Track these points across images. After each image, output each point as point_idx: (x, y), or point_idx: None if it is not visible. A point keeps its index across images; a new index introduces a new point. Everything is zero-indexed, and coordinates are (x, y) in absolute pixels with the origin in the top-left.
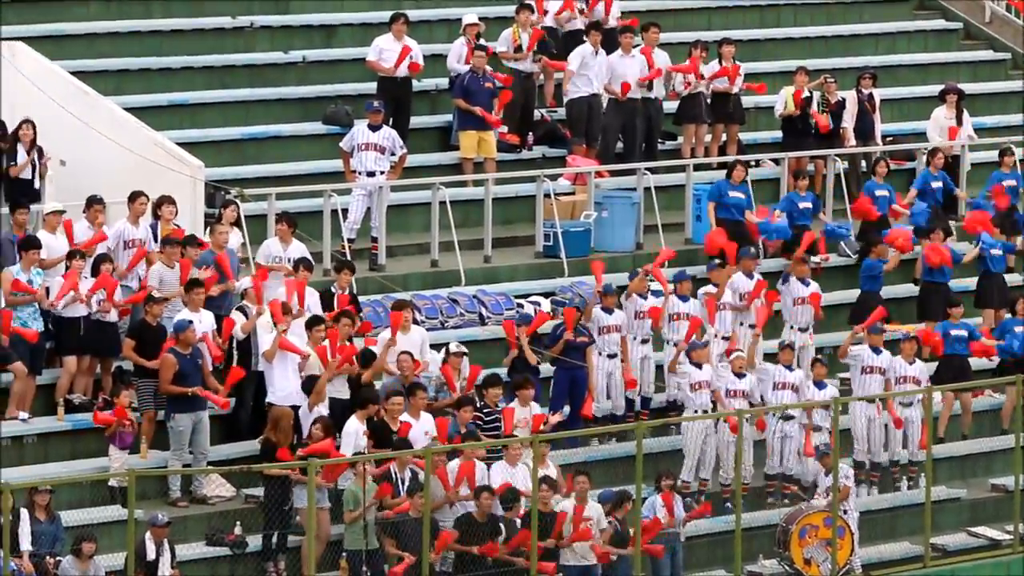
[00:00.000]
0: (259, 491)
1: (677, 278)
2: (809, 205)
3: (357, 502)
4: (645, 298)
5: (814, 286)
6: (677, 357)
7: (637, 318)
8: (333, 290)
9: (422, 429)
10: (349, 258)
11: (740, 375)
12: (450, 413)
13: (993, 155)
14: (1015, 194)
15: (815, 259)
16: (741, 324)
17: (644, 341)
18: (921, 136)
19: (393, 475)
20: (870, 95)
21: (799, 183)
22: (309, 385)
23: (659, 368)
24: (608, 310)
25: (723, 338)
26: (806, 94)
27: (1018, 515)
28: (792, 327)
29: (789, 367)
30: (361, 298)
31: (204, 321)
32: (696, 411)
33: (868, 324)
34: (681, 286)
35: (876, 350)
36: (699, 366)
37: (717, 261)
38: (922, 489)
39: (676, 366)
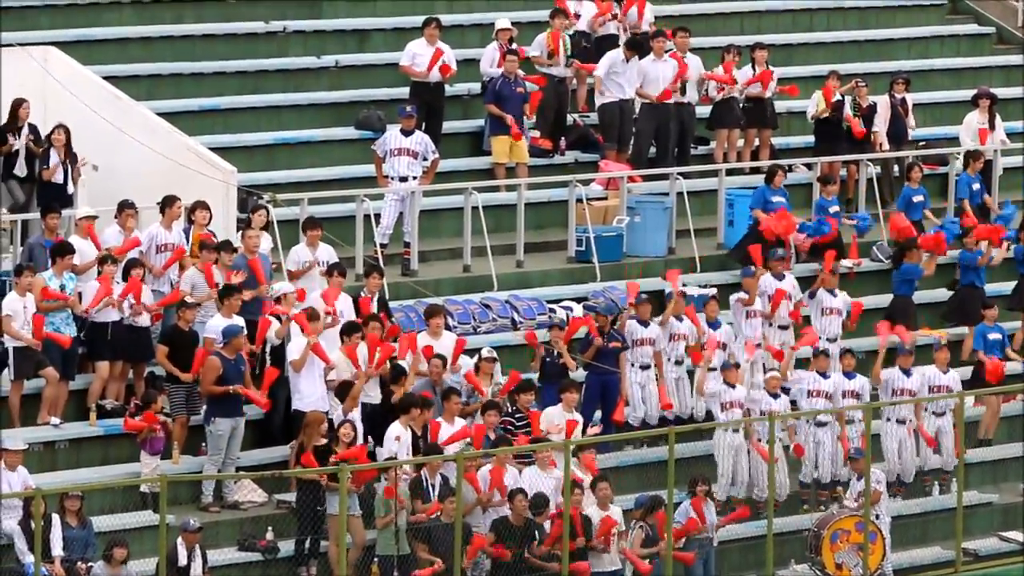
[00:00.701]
0: (291, 496)
1: (704, 299)
2: (837, 209)
3: (388, 507)
4: (681, 320)
5: (842, 296)
6: (703, 379)
7: (672, 340)
8: (363, 294)
9: (447, 434)
10: (381, 263)
11: (775, 395)
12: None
13: None
14: None
15: (847, 264)
16: (771, 325)
17: (678, 363)
18: (953, 141)
19: (424, 481)
20: (903, 99)
21: (828, 188)
22: (342, 391)
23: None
24: (643, 323)
25: (756, 345)
26: (837, 97)
27: None
28: (822, 338)
29: (824, 374)
30: (393, 303)
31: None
32: (727, 429)
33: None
34: (708, 309)
35: (906, 372)
36: (732, 386)
37: (752, 268)
38: (953, 494)
39: (704, 388)
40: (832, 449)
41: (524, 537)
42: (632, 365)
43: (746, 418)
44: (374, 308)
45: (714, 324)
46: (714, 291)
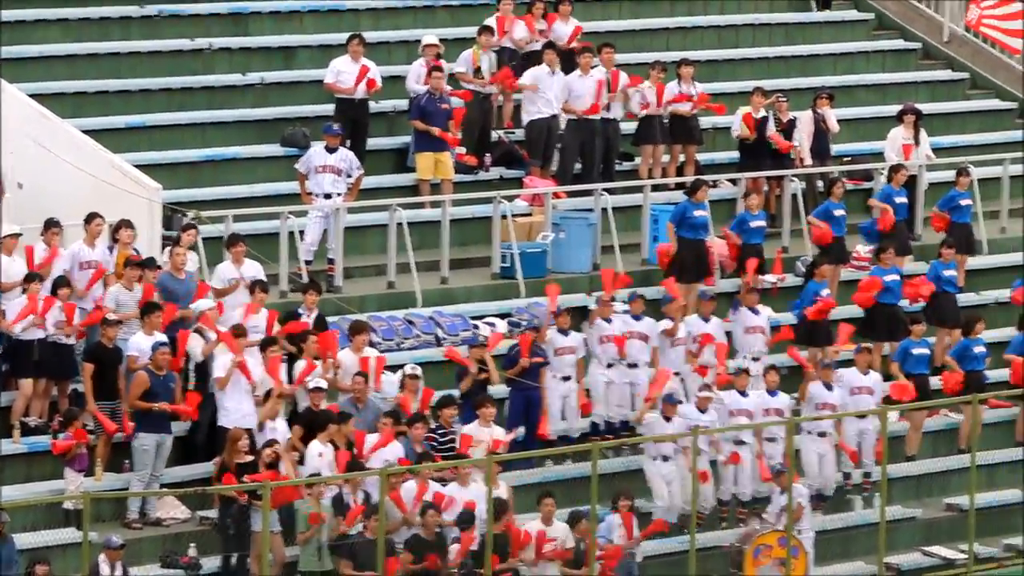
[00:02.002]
0: (214, 513)
1: (631, 297)
2: (762, 224)
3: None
4: (609, 322)
5: (764, 314)
6: (643, 414)
7: (602, 343)
8: (300, 311)
9: (386, 455)
10: (306, 279)
11: (703, 410)
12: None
13: (951, 175)
14: (968, 213)
15: (770, 279)
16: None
17: (609, 365)
18: (879, 156)
19: (345, 497)
20: (824, 115)
21: (749, 202)
22: (311, 418)
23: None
24: (563, 331)
25: (674, 373)
26: (761, 113)
27: (972, 534)
28: (745, 356)
29: (744, 393)
30: None
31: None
32: (662, 456)
33: (843, 342)
34: (634, 305)
35: (828, 387)
36: (668, 419)
37: (674, 297)
38: (876, 509)
39: (643, 418)
40: (752, 467)
41: (438, 551)
42: (554, 376)
43: (671, 435)
44: (311, 325)
45: (637, 318)
46: (641, 291)
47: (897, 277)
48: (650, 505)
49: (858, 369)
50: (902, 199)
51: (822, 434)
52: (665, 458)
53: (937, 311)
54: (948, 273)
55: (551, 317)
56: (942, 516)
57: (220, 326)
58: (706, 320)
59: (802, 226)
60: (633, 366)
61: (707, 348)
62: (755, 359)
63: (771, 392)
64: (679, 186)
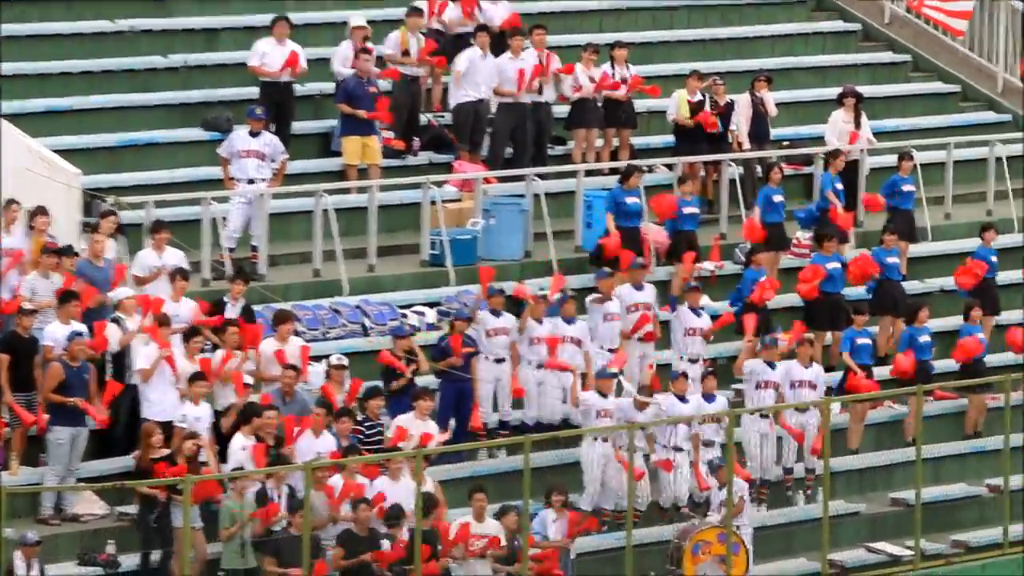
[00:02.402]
0: (133, 509)
1: (562, 299)
2: (695, 210)
3: (234, 519)
4: (540, 323)
5: (706, 317)
6: (575, 390)
7: (532, 344)
8: (226, 300)
9: (316, 447)
10: (229, 267)
11: (641, 410)
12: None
13: (893, 159)
14: (910, 199)
15: (708, 267)
16: (628, 337)
17: (540, 367)
18: (819, 140)
19: (269, 492)
20: (762, 98)
21: (683, 188)
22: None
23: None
24: (496, 312)
25: (609, 350)
26: (698, 97)
27: (919, 530)
28: (682, 357)
29: (683, 398)
30: None
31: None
32: (597, 438)
33: (794, 340)
34: (566, 307)
35: (771, 364)
36: (603, 395)
37: (607, 270)
38: (819, 503)
39: (577, 398)
40: (690, 475)
41: (371, 548)
42: (486, 358)
43: (606, 427)
44: (236, 314)
45: (570, 320)
46: (572, 292)
47: (839, 265)
48: (580, 499)
49: (799, 362)
50: (839, 187)
51: (764, 415)
52: (499, 360)
53: (881, 299)
54: (891, 260)
55: (483, 298)
56: (887, 511)
57: (141, 316)
58: (639, 288)
59: (740, 212)
60: (565, 369)
61: (643, 323)
62: (693, 361)
63: (708, 397)
64: (613, 171)
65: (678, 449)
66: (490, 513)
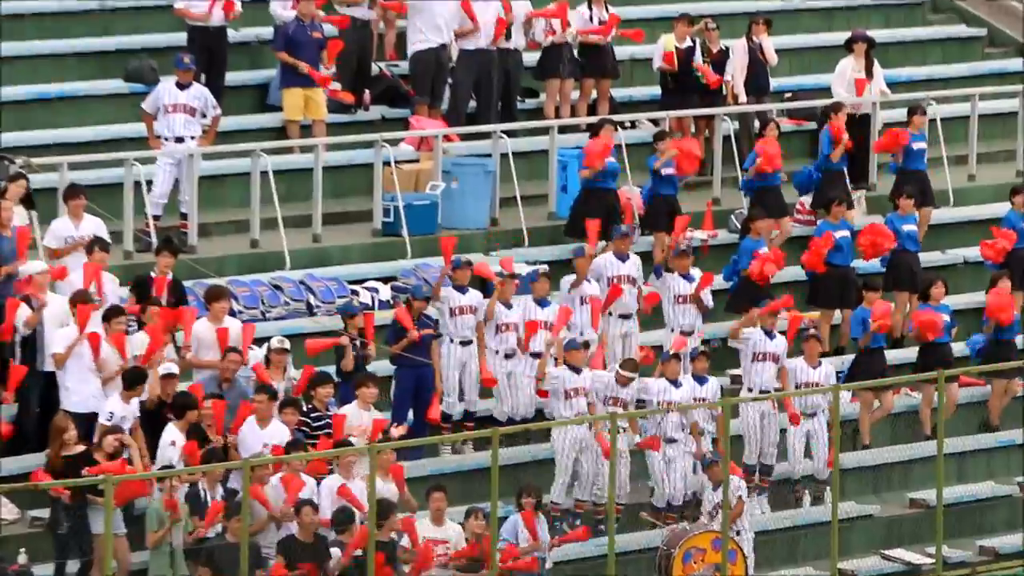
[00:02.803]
0: (47, 513)
1: (532, 277)
2: (672, 171)
3: (162, 522)
4: (509, 307)
5: (698, 281)
6: (543, 367)
7: (499, 332)
8: (154, 274)
9: (262, 439)
10: (154, 237)
11: (624, 385)
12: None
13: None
14: (922, 159)
15: (700, 236)
16: (609, 313)
17: (508, 356)
18: (825, 92)
19: (202, 493)
20: (762, 44)
21: (661, 145)
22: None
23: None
24: (461, 288)
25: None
26: (687, 43)
27: (941, 535)
28: (673, 331)
29: (675, 382)
30: None
31: None
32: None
33: (770, 309)
34: (538, 286)
35: (769, 334)
36: (576, 370)
37: (585, 247)
38: (827, 505)
39: (545, 372)
40: (685, 469)
41: (316, 557)
42: (451, 341)
43: (583, 416)
44: (165, 291)
45: (542, 303)
46: (544, 268)
47: (847, 233)
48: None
49: (807, 360)
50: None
51: (764, 391)
52: (464, 342)
53: (895, 273)
54: (907, 228)
55: (447, 272)
56: (904, 514)
57: (56, 292)
58: (623, 259)
59: (736, 173)
60: (538, 355)
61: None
62: (686, 334)
63: (699, 379)
64: (590, 127)
65: (671, 441)
66: (452, 517)
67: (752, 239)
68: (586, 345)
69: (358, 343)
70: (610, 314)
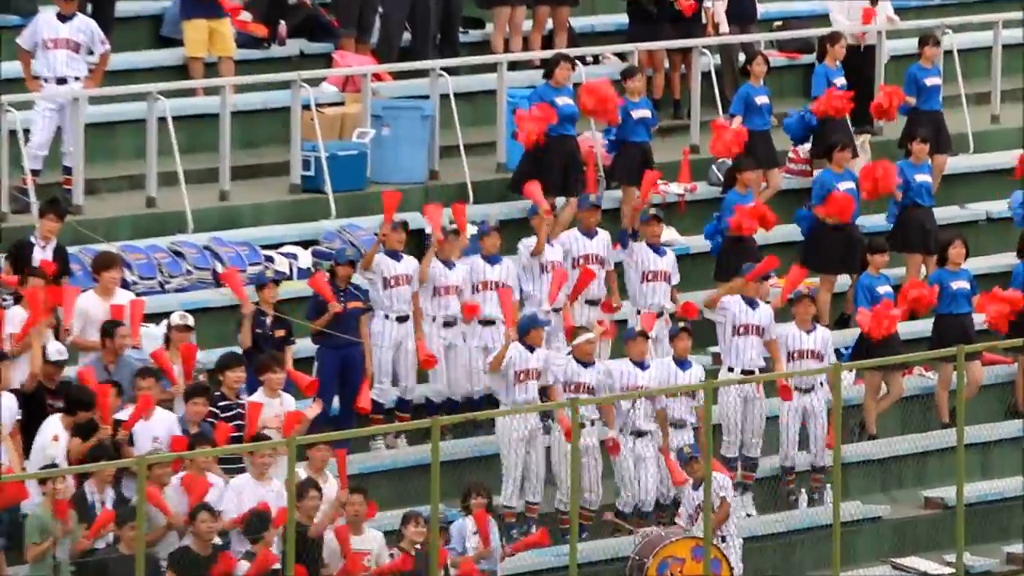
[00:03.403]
0: None
1: (482, 230)
2: (646, 114)
3: (45, 531)
4: (451, 267)
5: (671, 257)
6: (502, 354)
7: (438, 295)
8: (33, 241)
9: (152, 432)
10: (32, 195)
11: (586, 363)
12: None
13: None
14: (936, 97)
15: (675, 189)
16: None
17: (448, 324)
18: (822, 20)
19: (89, 497)
20: None
21: (629, 84)
22: None
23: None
24: (395, 254)
25: (553, 310)
26: None
27: (962, 540)
28: (640, 312)
29: (642, 364)
30: None
31: None
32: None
33: (756, 274)
34: (487, 241)
35: (751, 303)
36: (530, 349)
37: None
38: (828, 505)
39: (498, 365)
40: (658, 467)
41: (210, 569)
42: (385, 317)
43: (538, 405)
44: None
45: (492, 259)
46: (495, 223)
47: (853, 185)
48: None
49: (798, 324)
50: (841, 80)
51: (747, 371)
52: (402, 318)
53: (905, 231)
54: (921, 178)
55: (385, 235)
56: (918, 515)
57: None
58: (590, 235)
59: (718, 116)
60: (489, 323)
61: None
62: (656, 315)
63: (681, 362)
64: (545, 63)
65: (639, 434)
66: (387, 523)
67: (738, 192)
68: (544, 324)
69: (267, 320)
70: (575, 300)
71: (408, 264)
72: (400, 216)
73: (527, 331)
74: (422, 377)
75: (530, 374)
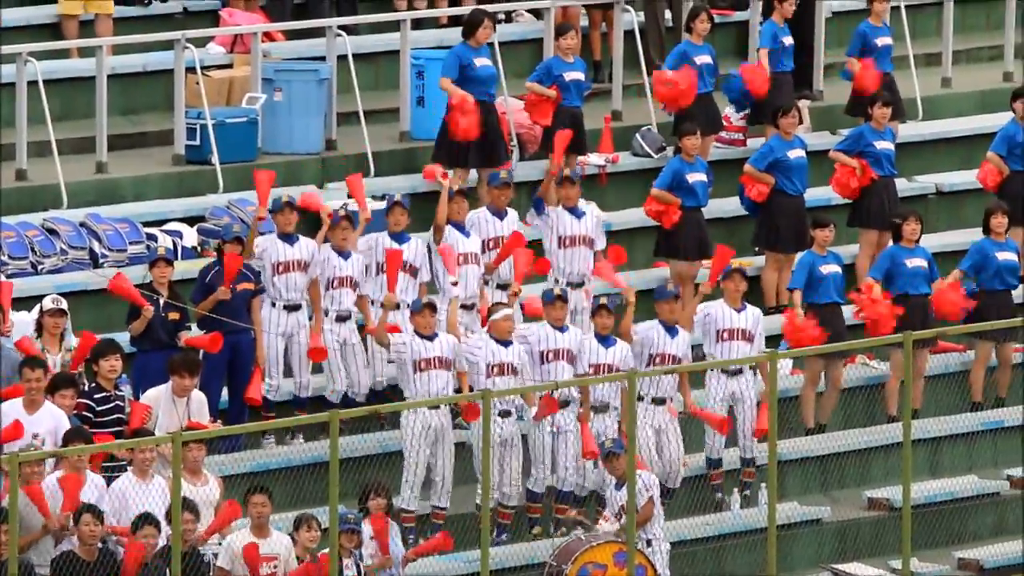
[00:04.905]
0: None
1: (388, 205)
2: (579, 76)
3: None
4: (346, 258)
5: (591, 215)
6: (384, 320)
7: (331, 288)
8: None
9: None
10: None
11: (505, 342)
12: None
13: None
14: (887, 58)
15: (597, 160)
16: (486, 283)
17: (341, 318)
18: None
19: None
20: None
21: (562, 43)
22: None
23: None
24: (288, 237)
25: (469, 305)
26: None
27: (909, 545)
28: (559, 280)
29: (561, 328)
30: None
31: None
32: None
33: (717, 274)
34: (395, 217)
35: (670, 330)
36: (429, 338)
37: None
38: (762, 507)
39: (384, 335)
40: (578, 446)
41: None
42: (273, 306)
43: (449, 396)
44: None
45: (400, 238)
46: (397, 196)
47: (802, 153)
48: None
49: (727, 303)
50: (788, 39)
51: (659, 400)
52: (292, 307)
53: (861, 204)
54: (883, 146)
55: (262, 217)
56: (862, 517)
57: None
58: (500, 215)
59: (643, 80)
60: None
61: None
62: (577, 285)
63: (603, 339)
64: (456, 21)
65: (562, 404)
66: (278, 524)
67: (684, 160)
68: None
69: (160, 302)
70: (486, 283)
71: (302, 248)
72: (293, 191)
73: (418, 312)
74: (317, 370)
75: (431, 363)
